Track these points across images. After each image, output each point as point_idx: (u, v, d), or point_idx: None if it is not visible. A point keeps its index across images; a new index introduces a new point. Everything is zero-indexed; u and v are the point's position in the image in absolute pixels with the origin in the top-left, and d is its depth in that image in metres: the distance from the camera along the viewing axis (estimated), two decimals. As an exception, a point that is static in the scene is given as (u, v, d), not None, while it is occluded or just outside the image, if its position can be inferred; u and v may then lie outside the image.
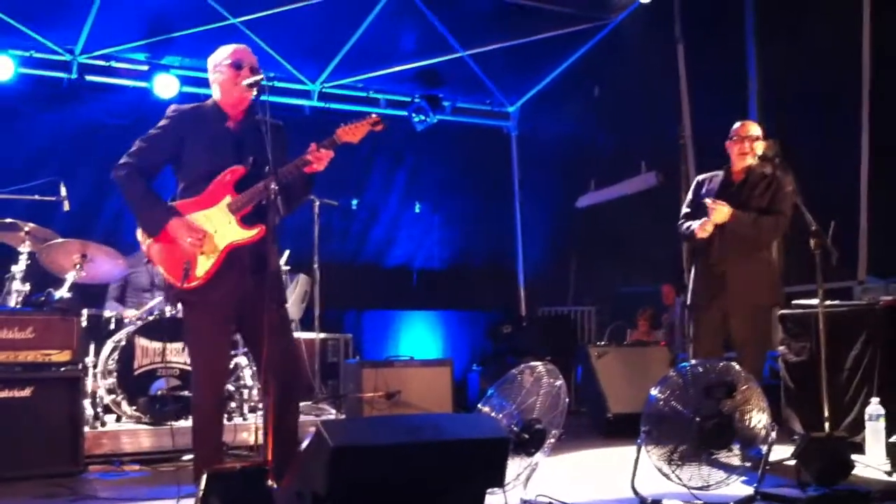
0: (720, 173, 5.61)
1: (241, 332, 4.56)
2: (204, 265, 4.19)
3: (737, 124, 5.62)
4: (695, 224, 5.48)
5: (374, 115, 4.32)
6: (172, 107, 4.43)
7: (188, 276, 4.16)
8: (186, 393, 5.96)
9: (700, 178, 5.76)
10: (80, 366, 5.67)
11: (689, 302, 5.67)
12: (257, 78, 4.17)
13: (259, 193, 4.15)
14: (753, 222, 5.35)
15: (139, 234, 4.34)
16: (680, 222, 5.67)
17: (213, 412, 4.40)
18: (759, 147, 5.47)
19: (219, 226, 4.22)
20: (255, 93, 4.17)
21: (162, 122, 4.35)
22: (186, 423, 5.79)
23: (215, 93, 4.41)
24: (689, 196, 5.74)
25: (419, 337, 9.83)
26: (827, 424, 5.04)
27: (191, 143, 4.29)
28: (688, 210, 5.67)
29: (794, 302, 6.25)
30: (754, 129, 5.55)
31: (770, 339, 5.71)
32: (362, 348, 9.19)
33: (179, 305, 6.10)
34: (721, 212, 5.31)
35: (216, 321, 4.28)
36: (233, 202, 4.23)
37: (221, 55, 4.38)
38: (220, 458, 4.38)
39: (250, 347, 4.57)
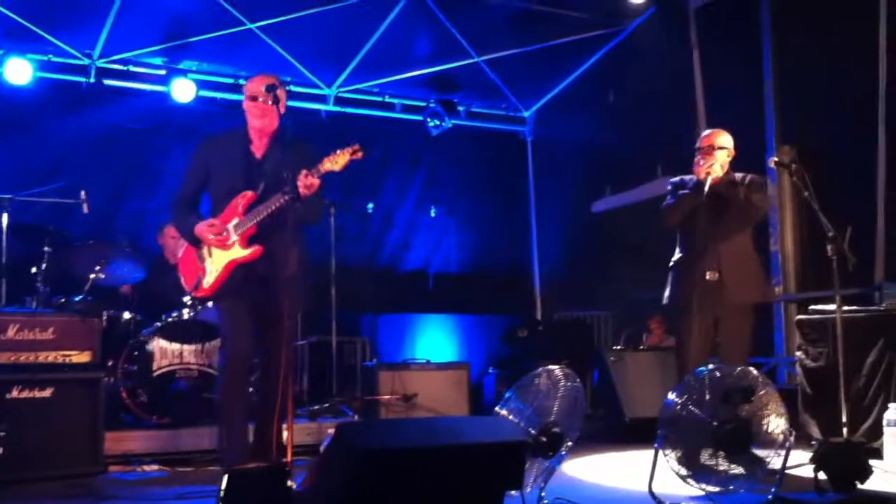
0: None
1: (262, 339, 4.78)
2: (210, 278, 4.72)
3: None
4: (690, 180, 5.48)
5: (356, 145, 4.48)
6: (204, 137, 4.90)
7: (198, 287, 4.75)
8: (205, 394, 6.02)
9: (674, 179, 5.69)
10: (100, 367, 5.72)
11: (676, 307, 5.56)
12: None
13: (259, 216, 4.57)
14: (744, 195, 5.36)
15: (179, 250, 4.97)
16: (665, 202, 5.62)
17: (237, 406, 4.67)
18: (722, 156, 5.44)
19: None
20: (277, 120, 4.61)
21: (193, 153, 4.88)
22: (205, 423, 5.84)
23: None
24: (671, 188, 5.67)
25: (435, 340, 9.83)
26: (845, 430, 5.04)
27: (215, 169, 4.79)
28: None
29: (812, 307, 6.23)
30: (718, 139, 5.49)
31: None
32: (379, 351, 9.20)
33: (199, 307, 6.27)
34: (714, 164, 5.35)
35: (234, 310, 4.72)
36: (238, 224, 4.65)
37: (247, 86, 4.78)
38: (246, 457, 4.53)
39: (263, 352, 4.83)
